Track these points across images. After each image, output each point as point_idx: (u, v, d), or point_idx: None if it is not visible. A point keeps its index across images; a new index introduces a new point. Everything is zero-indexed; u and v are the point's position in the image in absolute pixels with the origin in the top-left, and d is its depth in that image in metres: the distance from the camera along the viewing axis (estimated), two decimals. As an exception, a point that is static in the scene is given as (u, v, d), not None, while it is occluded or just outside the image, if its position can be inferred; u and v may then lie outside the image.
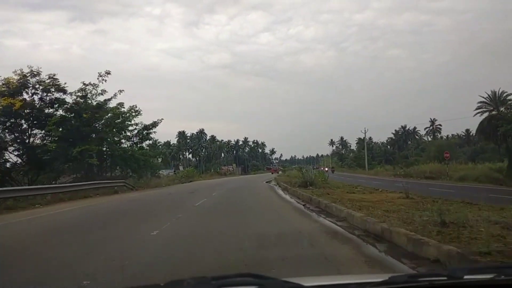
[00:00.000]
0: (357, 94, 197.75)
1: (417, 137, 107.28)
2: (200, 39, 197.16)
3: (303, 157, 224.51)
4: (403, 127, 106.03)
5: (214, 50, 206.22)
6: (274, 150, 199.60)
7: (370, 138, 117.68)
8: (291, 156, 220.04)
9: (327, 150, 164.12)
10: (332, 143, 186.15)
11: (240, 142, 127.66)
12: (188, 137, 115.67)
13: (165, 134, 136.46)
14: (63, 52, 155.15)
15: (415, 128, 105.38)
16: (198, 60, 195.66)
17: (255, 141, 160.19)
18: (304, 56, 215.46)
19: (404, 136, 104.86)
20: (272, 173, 75.93)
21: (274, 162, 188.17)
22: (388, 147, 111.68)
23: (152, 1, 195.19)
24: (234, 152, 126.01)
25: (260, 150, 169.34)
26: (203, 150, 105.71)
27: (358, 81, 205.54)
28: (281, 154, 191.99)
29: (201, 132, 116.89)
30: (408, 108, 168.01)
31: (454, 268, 3.02)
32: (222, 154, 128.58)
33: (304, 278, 1.74)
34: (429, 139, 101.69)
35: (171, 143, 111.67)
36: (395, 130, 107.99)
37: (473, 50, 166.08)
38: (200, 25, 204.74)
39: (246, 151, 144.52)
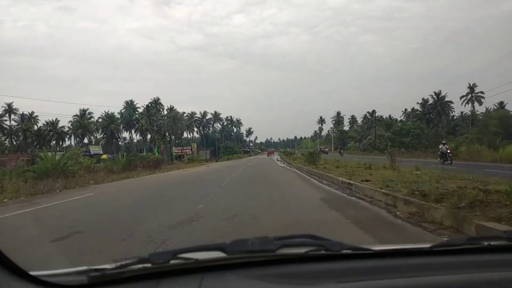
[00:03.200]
0: (329, 78, 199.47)
1: (452, 110, 78.12)
2: (172, 19, 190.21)
3: (279, 139, 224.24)
4: (437, 94, 76.19)
5: (186, 31, 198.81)
6: (252, 130, 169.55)
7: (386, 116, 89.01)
8: (267, 139, 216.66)
9: (309, 132, 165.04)
10: (321, 121, 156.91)
11: (209, 116, 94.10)
12: (139, 110, 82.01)
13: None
14: (28, 30, 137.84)
15: (443, 97, 75.78)
16: (170, 41, 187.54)
17: (229, 117, 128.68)
18: (278, 39, 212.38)
19: (439, 107, 75.13)
20: (268, 155, 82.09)
21: (250, 145, 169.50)
22: (409, 122, 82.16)
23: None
24: (201, 129, 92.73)
25: (235, 129, 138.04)
26: (155, 126, 71.71)
27: (331, 66, 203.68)
28: (256, 137, 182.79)
29: (156, 102, 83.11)
30: (379, 93, 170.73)
31: None
32: (186, 134, 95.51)
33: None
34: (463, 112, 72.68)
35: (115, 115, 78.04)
36: (423, 99, 78.34)
37: (443, 38, 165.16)
38: (171, 5, 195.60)
39: (217, 129, 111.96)
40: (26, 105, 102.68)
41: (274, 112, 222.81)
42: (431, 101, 77.04)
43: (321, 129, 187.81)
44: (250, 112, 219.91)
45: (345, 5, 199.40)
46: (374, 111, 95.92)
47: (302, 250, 1.42)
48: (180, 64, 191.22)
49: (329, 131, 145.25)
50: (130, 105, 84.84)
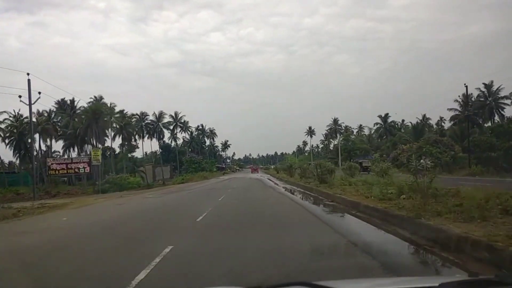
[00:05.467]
0: (304, 97, 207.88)
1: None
2: (148, 36, 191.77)
3: (258, 155, 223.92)
4: (487, 86, 53.71)
5: (163, 48, 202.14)
6: (228, 143, 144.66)
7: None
8: (245, 155, 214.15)
9: (290, 147, 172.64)
10: (310, 132, 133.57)
11: (166, 119, 68.09)
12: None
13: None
14: None
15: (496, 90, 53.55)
16: (146, 58, 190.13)
17: (200, 126, 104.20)
18: (254, 58, 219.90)
19: (493, 103, 52.55)
20: (252, 172, 76.13)
21: (227, 161, 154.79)
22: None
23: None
24: (155, 137, 66.85)
25: (207, 142, 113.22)
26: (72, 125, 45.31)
27: (305, 85, 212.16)
28: (234, 153, 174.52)
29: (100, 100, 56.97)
30: (353, 112, 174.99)
31: (505, 274, 2.70)
32: (140, 142, 69.62)
33: (350, 281, 2.08)
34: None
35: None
36: (463, 95, 55.83)
37: (411, 58, 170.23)
38: (148, 21, 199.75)
39: (181, 138, 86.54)
40: None
41: (253, 129, 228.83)
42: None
43: (305, 144, 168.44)
44: (228, 129, 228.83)
45: (320, 26, 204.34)
46: (387, 115, 73.43)
47: None
48: (155, 81, 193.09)
49: (322, 143, 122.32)
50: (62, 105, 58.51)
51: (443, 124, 63.77)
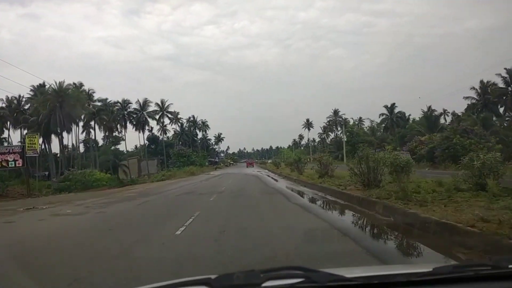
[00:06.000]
0: (300, 91, 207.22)
1: None
2: (141, 29, 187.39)
3: (253, 149, 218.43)
4: (511, 72, 47.67)
5: (157, 41, 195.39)
6: (222, 136, 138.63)
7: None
8: (239, 149, 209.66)
9: (285, 142, 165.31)
10: (308, 125, 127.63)
11: (151, 107, 61.17)
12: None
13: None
14: None
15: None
16: (139, 51, 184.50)
17: (191, 118, 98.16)
18: (249, 51, 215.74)
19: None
20: (247, 167, 74.70)
21: (221, 155, 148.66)
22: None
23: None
24: (141, 127, 60.11)
25: (199, 134, 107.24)
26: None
27: (301, 78, 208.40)
28: (228, 147, 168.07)
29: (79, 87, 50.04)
30: (348, 105, 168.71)
31: (499, 257, 2.67)
32: (123, 133, 63.14)
33: (348, 268, 1.94)
34: None
35: None
36: (481, 82, 49.82)
37: (408, 53, 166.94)
38: (141, 14, 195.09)
39: (172, 130, 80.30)
40: None
41: (247, 123, 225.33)
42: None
43: (301, 138, 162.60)
44: (222, 123, 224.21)
45: (316, 19, 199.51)
46: (393, 105, 67.29)
47: (288, 282, 1.36)
48: (149, 74, 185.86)
49: (320, 136, 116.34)
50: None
51: (446, 116, 58.11)
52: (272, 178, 31.03)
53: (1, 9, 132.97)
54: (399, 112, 66.20)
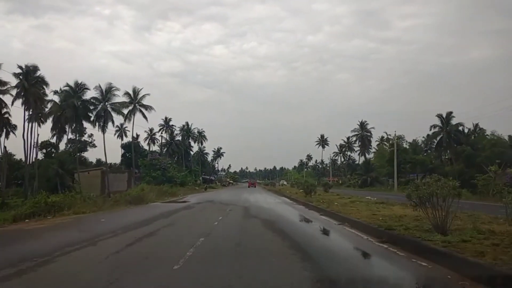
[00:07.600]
0: (306, 113, 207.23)
1: None
2: (151, 45, 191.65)
3: (256, 169, 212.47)
4: None
5: (165, 57, 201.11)
6: (221, 151, 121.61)
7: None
8: (241, 168, 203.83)
9: (291, 163, 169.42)
10: (322, 142, 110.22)
11: (119, 98, 43.58)
12: None
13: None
14: (2, 46, 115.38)
15: None
16: (147, 66, 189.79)
17: (185, 126, 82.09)
18: (256, 72, 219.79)
19: None
20: (249, 187, 73.56)
21: (221, 173, 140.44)
22: None
23: (102, 0, 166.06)
24: (101, 125, 42.75)
25: (195, 145, 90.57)
26: None
27: (307, 100, 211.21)
28: (230, 165, 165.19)
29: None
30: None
31: None
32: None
33: None
34: None
35: None
36: None
37: (412, 79, 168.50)
38: (152, 31, 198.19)
39: (160, 139, 63.55)
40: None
41: (251, 143, 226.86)
42: None
43: (309, 158, 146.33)
44: (225, 141, 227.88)
45: (324, 44, 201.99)
46: (450, 114, 49.81)
47: None
48: (156, 90, 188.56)
49: (336, 155, 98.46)
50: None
51: None
52: (309, 220, 13.31)
53: (14, 19, 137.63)
54: (459, 123, 48.55)
